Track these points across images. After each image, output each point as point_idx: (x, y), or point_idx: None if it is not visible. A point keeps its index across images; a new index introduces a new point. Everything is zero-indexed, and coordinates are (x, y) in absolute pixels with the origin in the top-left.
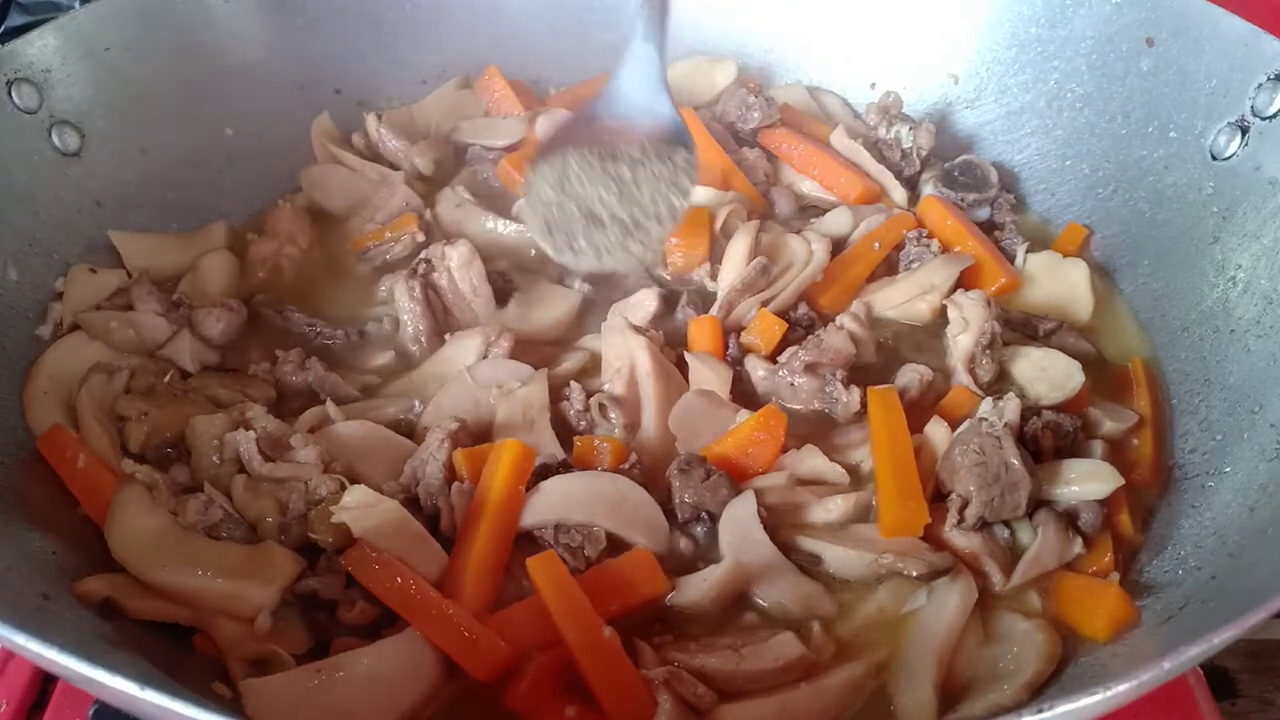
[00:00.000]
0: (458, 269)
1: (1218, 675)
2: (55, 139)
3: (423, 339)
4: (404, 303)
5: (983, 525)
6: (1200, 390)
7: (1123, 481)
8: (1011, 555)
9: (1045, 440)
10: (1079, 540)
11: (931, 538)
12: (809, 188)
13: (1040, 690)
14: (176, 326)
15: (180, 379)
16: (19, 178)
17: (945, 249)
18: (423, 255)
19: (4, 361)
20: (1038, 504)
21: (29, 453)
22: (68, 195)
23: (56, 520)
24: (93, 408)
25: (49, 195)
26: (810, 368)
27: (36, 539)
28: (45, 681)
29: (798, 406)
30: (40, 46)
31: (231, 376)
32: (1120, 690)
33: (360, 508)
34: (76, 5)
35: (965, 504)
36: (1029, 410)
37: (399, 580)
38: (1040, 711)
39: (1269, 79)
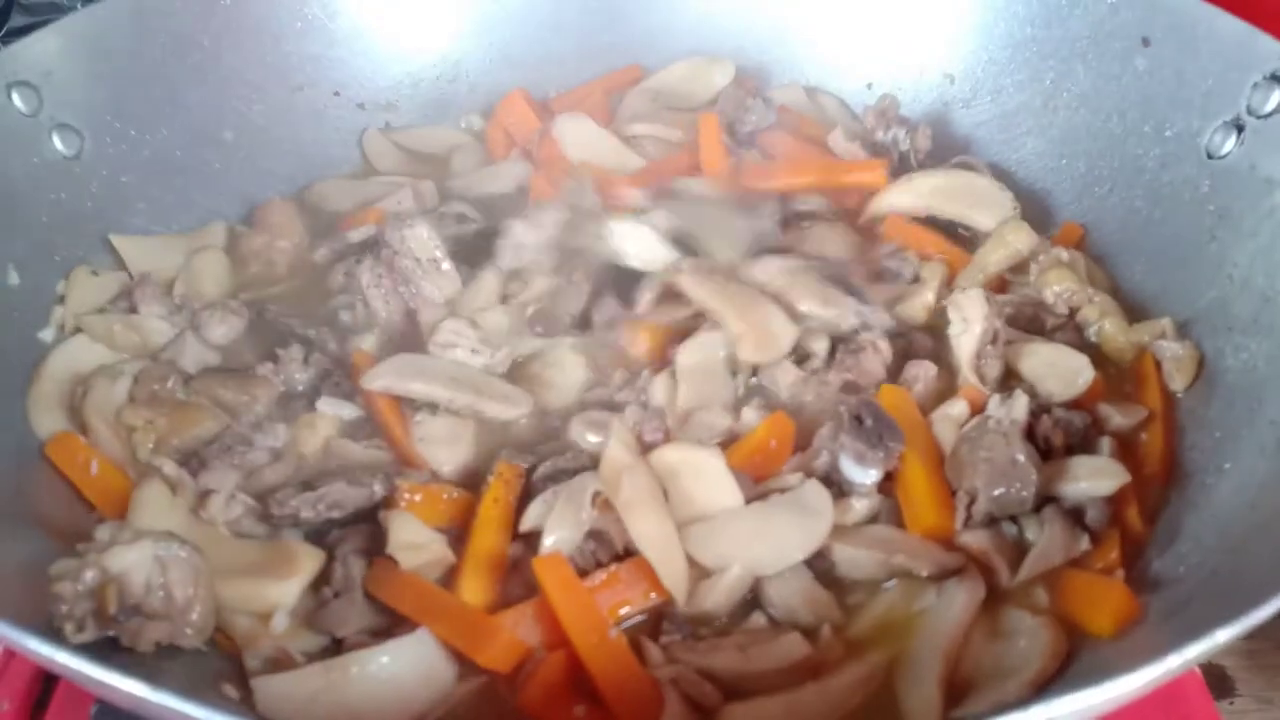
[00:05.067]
0: (418, 249)
1: (1216, 674)
2: (56, 141)
3: (395, 319)
4: (372, 291)
5: (990, 521)
6: (1198, 389)
7: (1129, 478)
8: (1018, 551)
9: (1056, 439)
10: (1085, 536)
11: (942, 536)
12: None
13: (1045, 686)
14: (180, 329)
15: (182, 383)
16: (19, 181)
17: (922, 257)
18: (384, 239)
19: (6, 365)
20: (1044, 500)
21: (34, 456)
22: (68, 198)
23: (64, 523)
24: (103, 413)
25: (50, 198)
26: (849, 386)
27: (42, 541)
28: (47, 681)
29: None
30: (40, 49)
31: (234, 377)
32: (1125, 687)
33: (410, 548)
34: (79, 6)
35: (972, 500)
36: (1040, 408)
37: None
38: (1044, 708)
39: (1265, 78)
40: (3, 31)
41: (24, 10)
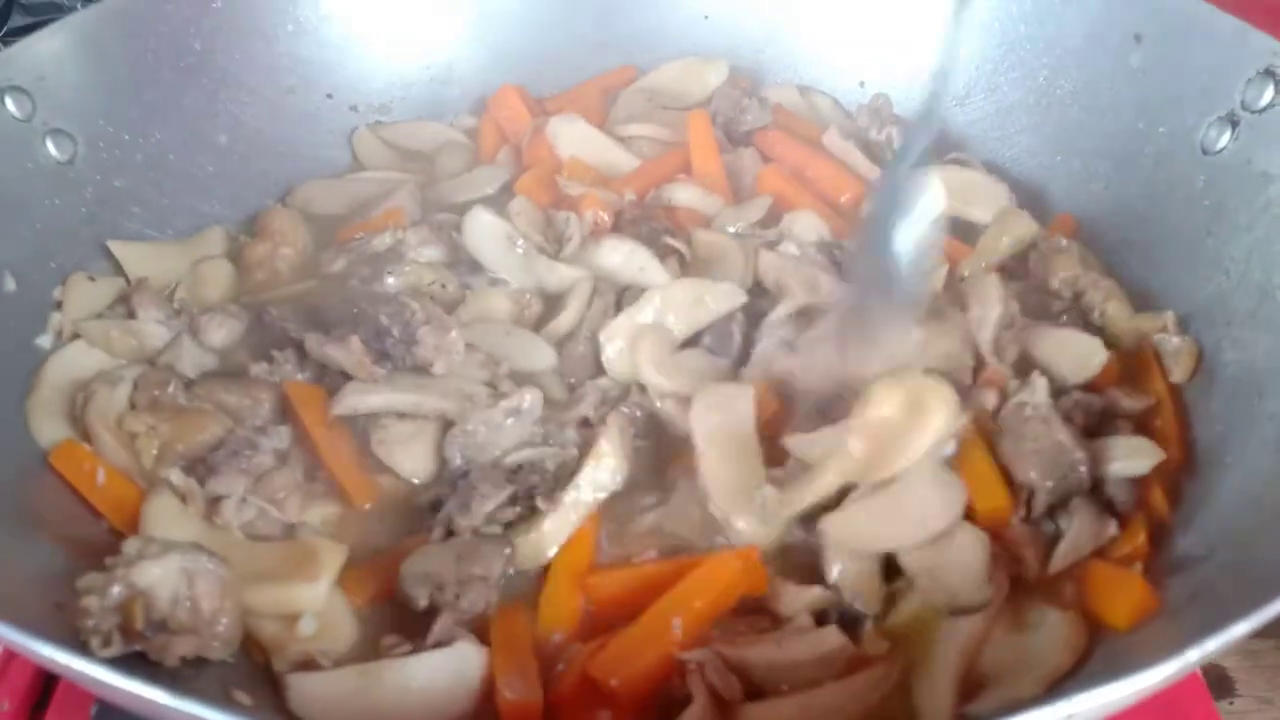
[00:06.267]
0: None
1: (1216, 674)
2: (50, 146)
3: None
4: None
5: (1050, 512)
6: (1199, 383)
7: (1164, 455)
8: (1049, 543)
9: (1076, 420)
10: (1114, 522)
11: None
12: None
13: (1059, 683)
14: (178, 333)
15: (183, 388)
16: (14, 186)
17: None
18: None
19: (4, 372)
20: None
21: (37, 465)
22: (63, 203)
23: (71, 531)
24: (106, 419)
25: (44, 204)
26: None
27: (48, 550)
28: (47, 681)
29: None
30: (33, 54)
31: (236, 381)
32: (1143, 682)
33: None
34: (78, 6)
35: (1032, 493)
36: (1058, 390)
37: None
38: (1067, 704)
39: (1258, 73)
40: (2, 31)
41: (24, 10)
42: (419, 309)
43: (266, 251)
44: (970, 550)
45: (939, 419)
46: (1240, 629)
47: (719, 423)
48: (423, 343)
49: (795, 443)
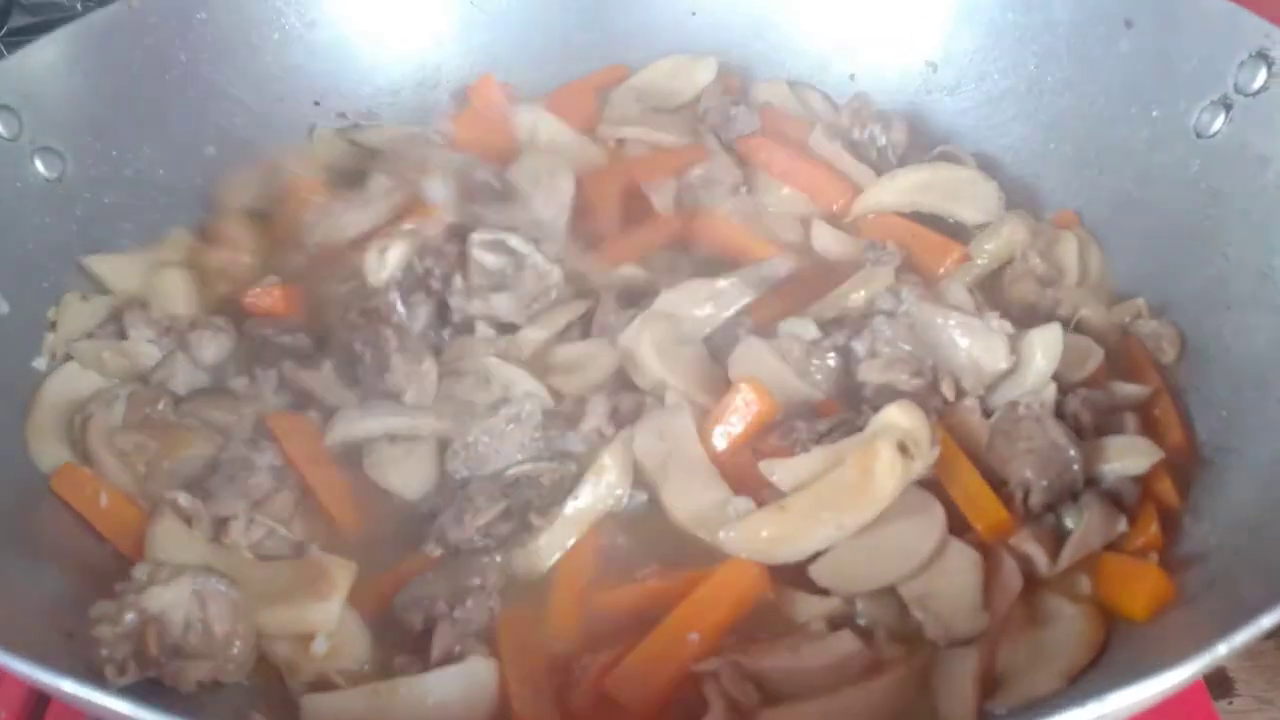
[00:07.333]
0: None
1: (1216, 674)
2: (38, 165)
3: None
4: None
5: (1046, 510)
6: (1201, 368)
7: (1161, 454)
8: (1056, 538)
9: (1085, 417)
10: (1123, 518)
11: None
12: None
13: (1077, 677)
14: (170, 351)
15: (173, 405)
16: (3, 206)
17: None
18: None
19: (2, 396)
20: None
21: (39, 489)
22: (53, 222)
23: (77, 556)
24: (105, 441)
25: (34, 222)
26: None
27: (54, 576)
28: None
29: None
30: (19, 71)
31: (225, 397)
32: (1170, 681)
33: None
34: (79, 6)
35: (1027, 492)
36: (1065, 388)
37: None
38: (1091, 705)
39: (1250, 55)
40: (3, 31)
41: (24, 10)
42: (393, 336)
43: (226, 261)
44: (962, 574)
45: (891, 481)
46: (1266, 621)
47: (666, 450)
48: (395, 370)
49: (769, 467)
